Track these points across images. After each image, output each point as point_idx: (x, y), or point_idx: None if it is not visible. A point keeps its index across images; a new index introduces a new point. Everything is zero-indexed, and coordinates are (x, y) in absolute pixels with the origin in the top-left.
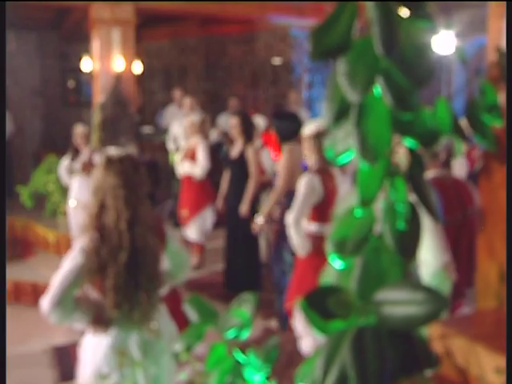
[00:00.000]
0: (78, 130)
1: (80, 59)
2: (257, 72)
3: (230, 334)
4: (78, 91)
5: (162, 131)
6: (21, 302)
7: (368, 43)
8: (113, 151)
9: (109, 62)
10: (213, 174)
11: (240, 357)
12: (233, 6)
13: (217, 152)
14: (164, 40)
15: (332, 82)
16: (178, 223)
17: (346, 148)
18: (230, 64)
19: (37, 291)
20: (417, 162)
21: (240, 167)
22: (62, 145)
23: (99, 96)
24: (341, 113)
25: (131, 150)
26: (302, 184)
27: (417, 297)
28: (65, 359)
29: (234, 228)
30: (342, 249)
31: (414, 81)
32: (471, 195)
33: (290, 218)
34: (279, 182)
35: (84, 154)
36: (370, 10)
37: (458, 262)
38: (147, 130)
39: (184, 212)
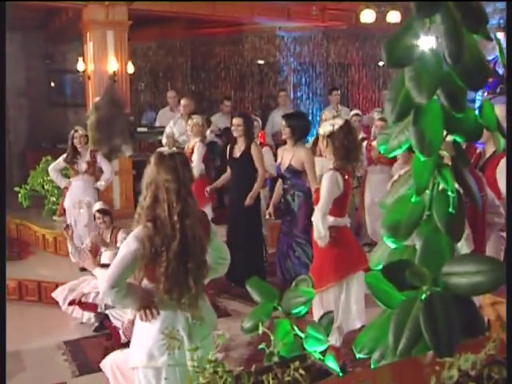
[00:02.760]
0: (78, 131)
1: (65, 60)
2: (244, 73)
3: (296, 310)
4: (62, 92)
5: (158, 131)
6: (23, 300)
7: (433, 52)
8: (163, 148)
9: (103, 63)
10: (208, 173)
11: (299, 331)
12: (223, 9)
13: (210, 151)
14: (151, 41)
15: (395, 86)
16: None
17: (398, 144)
18: (217, 65)
19: (40, 290)
20: (461, 155)
21: (242, 166)
22: (46, 145)
23: (94, 97)
24: (403, 113)
25: (127, 150)
26: (327, 180)
27: (483, 268)
28: (79, 354)
29: (236, 224)
30: (395, 232)
31: (470, 86)
32: (482, 183)
33: (317, 212)
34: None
35: (85, 155)
36: (438, 26)
37: (475, 239)
38: (142, 129)
39: None
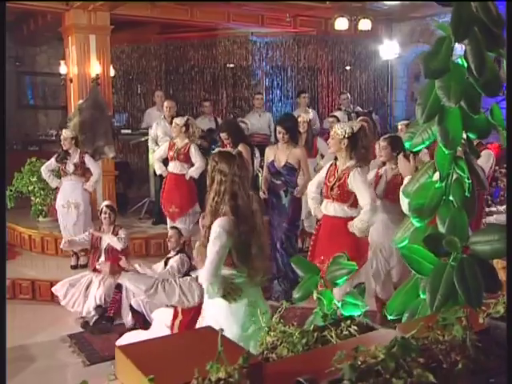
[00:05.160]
0: (66, 133)
1: (35, 62)
2: (217, 76)
3: (340, 281)
4: (32, 94)
5: (141, 133)
6: (17, 298)
7: (457, 66)
8: (228, 149)
9: (85, 66)
10: None
11: (336, 300)
12: (200, 15)
13: None
14: (124, 44)
15: (424, 93)
16: (155, 222)
17: (422, 140)
18: (191, 69)
19: (34, 288)
20: (472, 149)
21: None
22: (18, 147)
23: (76, 99)
24: (431, 115)
25: (110, 151)
26: (362, 175)
27: (504, 235)
28: (86, 345)
29: None
30: (420, 213)
31: (488, 93)
32: None
33: (370, 206)
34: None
35: (75, 157)
36: (466, 45)
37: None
38: (126, 131)
39: (173, 209)
